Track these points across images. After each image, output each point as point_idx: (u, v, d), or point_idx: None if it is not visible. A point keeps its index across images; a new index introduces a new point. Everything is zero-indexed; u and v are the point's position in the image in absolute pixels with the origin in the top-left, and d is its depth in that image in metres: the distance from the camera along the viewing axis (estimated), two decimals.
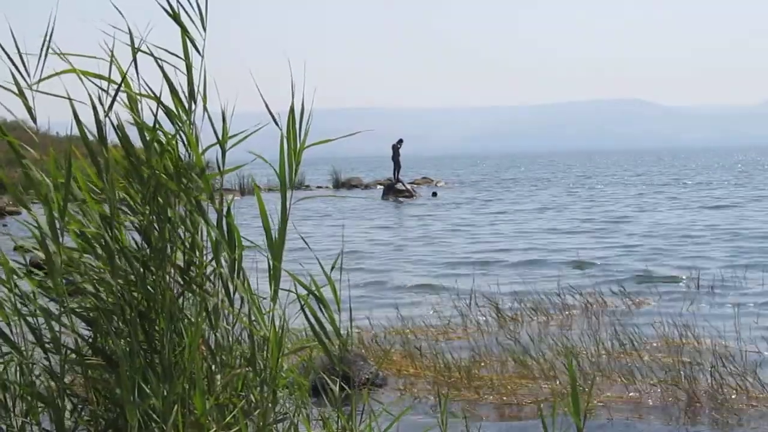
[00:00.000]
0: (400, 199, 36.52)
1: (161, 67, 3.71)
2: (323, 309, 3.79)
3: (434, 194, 39.67)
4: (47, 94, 3.64)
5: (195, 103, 3.77)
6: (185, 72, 3.75)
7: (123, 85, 3.68)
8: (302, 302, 3.78)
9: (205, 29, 3.74)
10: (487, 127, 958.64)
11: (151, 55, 3.69)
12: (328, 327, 3.82)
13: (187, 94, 3.76)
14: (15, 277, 3.74)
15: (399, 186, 38.23)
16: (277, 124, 3.73)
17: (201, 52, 3.74)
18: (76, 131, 3.68)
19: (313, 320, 3.78)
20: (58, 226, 3.59)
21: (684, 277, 11.73)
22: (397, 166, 39.81)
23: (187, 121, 3.76)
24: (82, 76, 3.65)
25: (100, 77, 3.65)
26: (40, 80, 3.61)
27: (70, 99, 3.60)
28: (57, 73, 3.62)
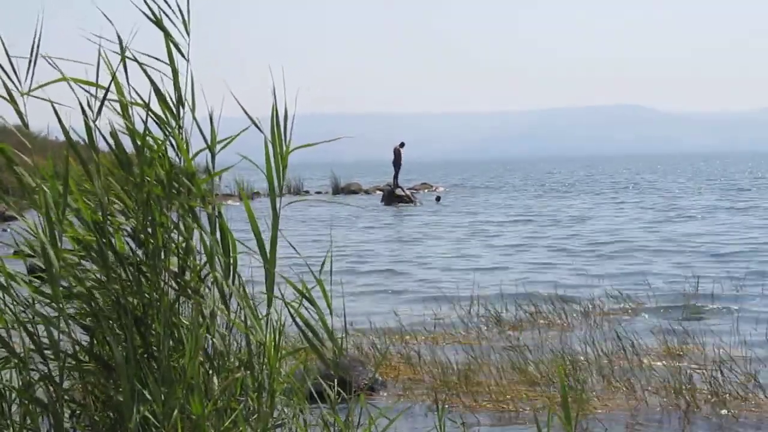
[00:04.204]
0: (400, 204, 36.51)
1: (146, 73, 3.71)
2: (315, 313, 3.79)
3: (438, 199, 39.63)
4: (37, 97, 3.65)
5: (183, 108, 3.78)
6: (171, 77, 3.76)
7: (113, 90, 3.68)
8: (291, 309, 3.78)
9: (188, 33, 3.75)
10: (487, 132, 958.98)
11: (136, 60, 3.70)
12: (323, 333, 3.83)
13: (175, 100, 3.77)
14: (13, 282, 3.75)
15: (398, 191, 38.21)
16: (259, 129, 3.74)
17: (186, 56, 3.75)
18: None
19: (303, 325, 3.78)
20: (56, 231, 3.60)
21: (683, 283, 11.71)
22: (397, 170, 39.78)
23: (176, 126, 3.77)
24: (72, 83, 3.65)
25: (90, 83, 3.66)
26: (30, 90, 3.61)
27: (53, 106, 3.61)
28: (46, 83, 3.62)
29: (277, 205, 3.74)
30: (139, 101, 3.75)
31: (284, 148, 3.75)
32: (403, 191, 38.47)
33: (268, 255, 3.77)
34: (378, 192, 44.83)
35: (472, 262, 15.94)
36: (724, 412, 6.08)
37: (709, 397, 6.29)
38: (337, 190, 47.13)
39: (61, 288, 3.66)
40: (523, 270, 14.46)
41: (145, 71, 3.71)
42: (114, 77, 3.66)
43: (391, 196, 37.93)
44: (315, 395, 4.22)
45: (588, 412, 6.12)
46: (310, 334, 3.78)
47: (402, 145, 40.92)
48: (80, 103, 3.63)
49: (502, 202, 37.01)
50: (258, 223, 3.78)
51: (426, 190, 49.00)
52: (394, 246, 19.62)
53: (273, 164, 3.75)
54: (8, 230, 4.10)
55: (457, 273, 14.25)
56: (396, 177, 39.89)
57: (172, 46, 3.75)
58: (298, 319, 3.78)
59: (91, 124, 3.63)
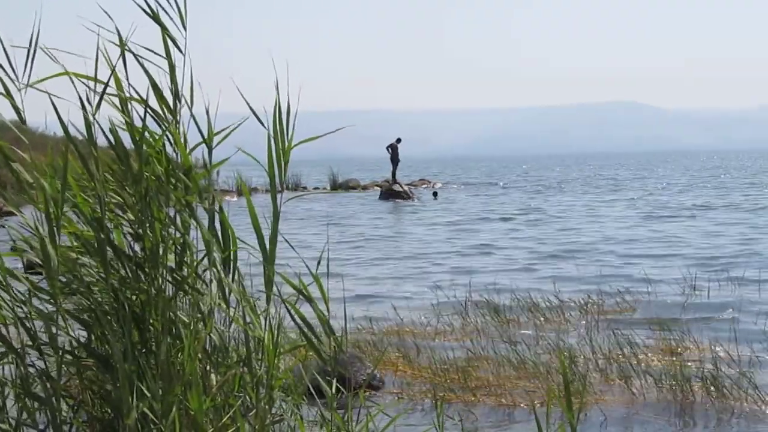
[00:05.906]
0: (398, 200, 36.52)
1: (143, 67, 3.70)
2: (313, 309, 3.78)
3: (435, 195, 39.62)
4: (38, 89, 3.62)
5: (180, 102, 3.77)
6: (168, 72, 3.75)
7: (112, 84, 3.67)
8: (288, 306, 3.77)
9: (185, 28, 3.74)
10: (486, 130, 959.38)
11: (134, 53, 3.68)
12: (320, 329, 3.82)
13: (172, 94, 3.76)
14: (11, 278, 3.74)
15: (396, 187, 38.23)
16: (260, 122, 3.72)
17: (183, 50, 3.74)
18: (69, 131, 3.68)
19: (300, 321, 3.77)
20: (54, 226, 3.58)
21: (682, 281, 11.71)
22: (395, 166, 39.78)
23: (173, 121, 3.75)
24: (71, 77, 3.64)
25: (90, 78, 3.64)
26: (29, 83, 3.59)
27: (52, 100, 3.59)
28: (47, 78, 3.61)
29: (278, 201, 3.72)
30: (137, 98, 3.74)
31: (286, 143, 3.73)
32: (401, 187, 38.49)
33: (268, 251, 3.75)
34: (376, 188, 44.85)
35: (470, 258, 15.95)
36: (720, 408, 6.08)
37: (706, 394, 6.29)
38: (336, 187, 47.12)
39: (59, 283, 3.65)
40: (521, 266, 14.47)
41: (142, 65, 3.69)
42: (113, 72, 3.65)
43: (389, 192, 37.93)
44: (314, 392, 4.22)
45: (586, 406, 6.13)
46: (307, 331, 3.77)
47: (398, 140, 40.89)
48: (80, 98, 3.61)
49: (500, 199, 37.01)
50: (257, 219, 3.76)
51: (424, 186, 49.01)
52: (391, 242, 19.62)
53: (275, 159, 3.73)
54: (5, 226, 4.08)
55: (454, 269, 14.25)
56: (394, 173, 39.90)
57: (168, 40, 3.73)
58: (296, 316, 3.77)
59: (91, 118, 3.62)
